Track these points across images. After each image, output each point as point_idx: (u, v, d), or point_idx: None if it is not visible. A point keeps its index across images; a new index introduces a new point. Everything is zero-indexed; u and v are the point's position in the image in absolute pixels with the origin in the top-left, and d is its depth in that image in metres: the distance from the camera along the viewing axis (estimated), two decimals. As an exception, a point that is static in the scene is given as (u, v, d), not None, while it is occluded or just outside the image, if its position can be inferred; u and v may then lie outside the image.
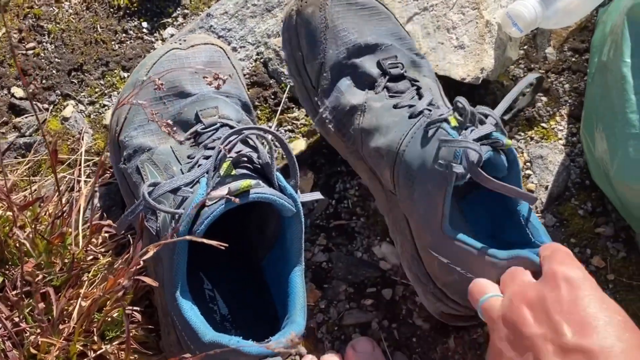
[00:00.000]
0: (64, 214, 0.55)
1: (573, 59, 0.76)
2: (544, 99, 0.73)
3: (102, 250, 0.59)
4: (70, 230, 0.59)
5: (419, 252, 0.55)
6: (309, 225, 0.65)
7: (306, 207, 0.66)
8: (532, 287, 0.45)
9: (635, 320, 0.62)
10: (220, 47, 0.61)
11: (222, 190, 0.47)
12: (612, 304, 0.43)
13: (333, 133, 0.58)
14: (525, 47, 0.76)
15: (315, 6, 0.59)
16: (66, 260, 0.54)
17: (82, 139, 0.65)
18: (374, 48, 0.58)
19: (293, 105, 0.70)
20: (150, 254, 0.45)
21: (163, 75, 0.56)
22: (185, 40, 0.60)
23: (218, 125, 0.56)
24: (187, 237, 0.45)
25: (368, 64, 0.58)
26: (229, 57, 0.61)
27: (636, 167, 0.51)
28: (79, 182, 0.62)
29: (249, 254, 0.59)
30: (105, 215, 0.62)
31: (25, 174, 0.62)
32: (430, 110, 0.53)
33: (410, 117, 0.54)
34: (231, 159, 0.51)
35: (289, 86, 0.70)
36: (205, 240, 0.43)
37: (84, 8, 0.72)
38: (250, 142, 0.53)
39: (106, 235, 0.59)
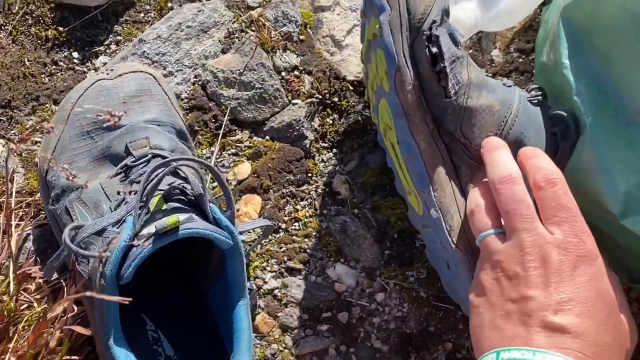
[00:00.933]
0: (-10, 264, 0.52)
1: (520, 60, 0.75)
2: (511, 82, 0.72)
3: (38, 296, 0.56)
4: (1, 278, 0.55)
5: None
6: (260, 252, 0.63)
7: (255, 233, 0.63)
8: (546, 245, 0.43)
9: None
10: (150, 74, 0.58)
11: (149, 229, 0.44)
12: None
13: (428, 77, 0.52)
14: (471, 51, 0.75)
15: None
16: (-4, 312, 0.51)
17: (12, 181, 0.61)
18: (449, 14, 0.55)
19: (235, 128, 0.67)
20: (72, 297, 0.42)
21: (88, 110, 0.53)
22: (112, 70, 0.58)
23: (149, 156, 0.53)
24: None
25: (452, 25, 0.54)
26: (159, 84, 0.59)
27: (579, 167, 0.49)
28: (9, 225, 0.59)
29: (194, 287, 0.56)
30: (39, 259, 0.58)
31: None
32: (510, 86, 0.55)
33: (504, 85, 0.55)
34: (162, 192, 0.49)
35: (229, 108, 0.67)
36: (113, 298, 0.41)
37: (10, 42, 0.69)
38: (181, 173, 0.51)
39: (40, 281, 0.56)
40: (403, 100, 0.52)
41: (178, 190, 0.50)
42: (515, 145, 0.51)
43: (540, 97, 0.54)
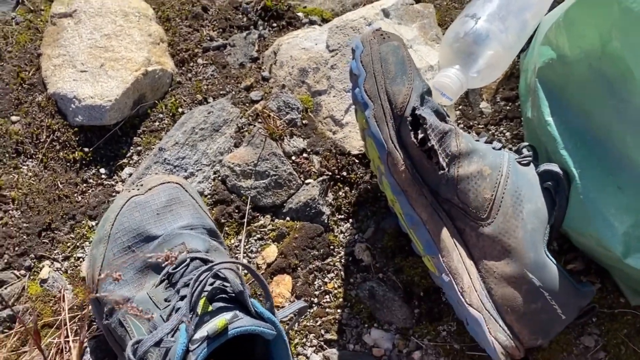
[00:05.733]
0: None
1: (507, 108, 0.80)
2: (500, 144, 0.77)
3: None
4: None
5: (491, 286, 0.57)
6: (298, 329, 0.67)
7: (292, 312, 0.67)
8: None
9: (624, 348, 0.65)
10: (177, 183, 0.64)
11: (201, 333, 0.49)
12: None
13: (417, 156, 0.57)
14: (460, 106, 0.81)
15: (399, 42, 0.61)
16: None
17: (63, 299, 0.66)
18: (431, 93, 0.62)
19: (258, 214, 0.73)
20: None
21: (126, 227, 0.59)
22: (142, 185, 0.63)
23: (187, 261, 0.58)
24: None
25: (435, 102, 0.61)
26: (186, 190, 0.64)
27: (577, 216, 0.54)
28: (67, 342, 0.63)
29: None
30: (98, 369, 0.63)
31: (13, 346, 0.63)
32: (503, 147, 0.60)
33: (494, 148, 0.60)
34: (206, 294, 0.54)
35: (249, 197, 0.73)
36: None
37: (42, 168, 0.75)
38: (220, 273, 0.55)
39: (103, 390, 0.60)
40: (398, 179, 0.57)
41: (219, 290, 0.55)
42: (514, 204, 0.56)
43: (530, 158, 0.59)
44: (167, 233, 0.60)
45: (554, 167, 0.56)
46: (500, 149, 0.60)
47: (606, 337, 0.66)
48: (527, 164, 0.59)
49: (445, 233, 0.58)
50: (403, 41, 0.61)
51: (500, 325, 0.56)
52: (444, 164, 0.57)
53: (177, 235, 0.60)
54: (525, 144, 0.61)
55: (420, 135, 0.56)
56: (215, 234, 0.64)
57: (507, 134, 0.79)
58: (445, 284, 0.58)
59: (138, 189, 0.63)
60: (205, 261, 0.58)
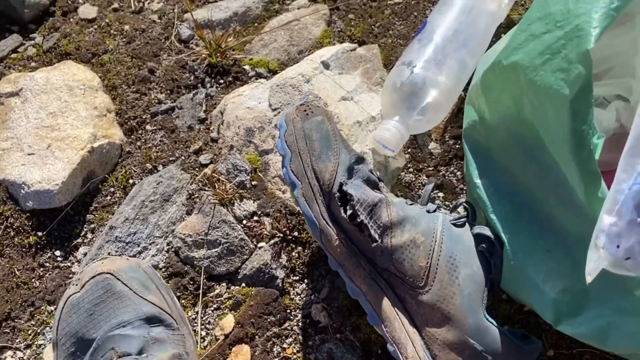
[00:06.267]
0: None
1: (457, 146, 0.80)
2: (441, 194, 0.77)
3: None
4: None
5: (435, 353, 0.57)
6: (259, 398, 0.68)
7: (252, 380, 0.68)
8: None
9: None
10: (108, 272, 0.62)
11: None
12: None
13: (350, 230, 0.58)
14: (409, 149, 0.81)
15: (324, 116, 0.61)
16: None
17: (25, 390, 0.67)
18: (364, 159, 0.62)
19: (213, 283, 0.73)
20: None
21: (67, 333, 0.59)
22: (79, 280, 0.62)
23: None
24: None
25: (367, 170, 0.61)
26: (119, 279, 0.62)
27: (510, 281, 0.54)
28: None
29: None
30: None
31: None
32: (440, 208, 0.59)
33: (428, 212, 0.60)
34: None
35: (203, 268, 0.73)
36: None
37: (-2, 256, 0.76)
38: None
39: None
40: (334, 254, 0.58)
41: None
42: (449, 270, 0.56)
43: (464, 219, 0.59)
44: (99, 337, 0.59)
45: (486, 231, 0.56)
46: (434, 210, 0.60)
47: (566, 379, 0.66)
48: (462, 225, 0.59)
49: (386, 303, 0.58)
50: (328, 113, 0.61)
51: None
52: (376, 236, 0.57)
53: (109, 339, 0.59)
54: (462, 201, 0.61)
55: (349, 211, 0.57)
56: (156, 319, 0.62)
57: (458, 173, 0.78)
58: (391, 353, 0.58)
59: (75, 285, 0.63)
60: None
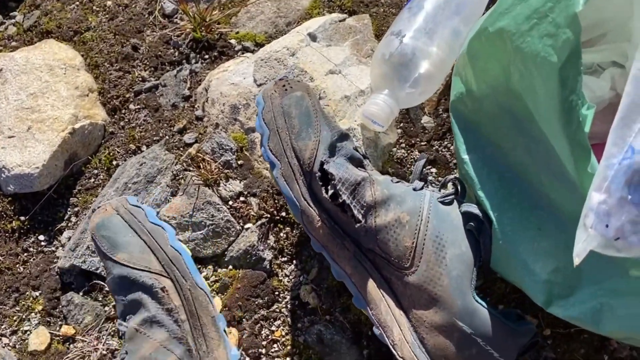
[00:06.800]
0: None
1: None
2: (434, 170, 0.74)
3: None
4: None
5: (423, 336, 0.55)
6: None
7: (240, 364, 0.67)
8: None
9: (582, 371, 0.63)
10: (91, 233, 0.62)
11: None
12: None
13: (333, 210, 0.55)
14: (402, 124, 0.77)
15: (303, 91, 0.58)
16: None
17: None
18: (347, 136, 0.59)
19: (199, 266, 0.71)
20: None
21: None
22: None
23: None
24: None
25: (351, 147, 0.58)
26: (94, 240, 0.62)
27: (499, 261, 0.51)
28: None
29: None
30: None
31: None
32: (428, 185, 0.57)
33: (415, 189, 0.57)
34: None
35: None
36: None
37: (-18, 242, 0.74)
38: None
39: None
40: (317, 236, 0.55)
41: None
42: (436, 250, 0.54)
43: (452, 196, 0.56)
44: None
45: (474, 209, 0.53)
46: (421, 188, 0.57)
47: (563, 359, 0.64)
48: (450, 203, 0.56)
49: (371, 285, 0.56)
50: (309, 89, 0.58)
51: None
52: (360, 216, 0.54)
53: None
54: (451, 177, 0.59)
55: (330, 191, 0.54)
56: (128, 281, 0.59)
57: (452, 147, 0.75)
58: (378, 336, 0.56)
59: None
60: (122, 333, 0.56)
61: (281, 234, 0.72)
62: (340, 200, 0.54)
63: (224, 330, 0.59)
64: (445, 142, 0.76)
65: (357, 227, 0.54)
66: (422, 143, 0.76)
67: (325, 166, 0.54)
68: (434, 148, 0.76)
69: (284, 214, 0.72)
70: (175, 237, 0.62)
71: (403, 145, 0.76)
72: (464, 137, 0.53)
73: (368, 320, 0.66)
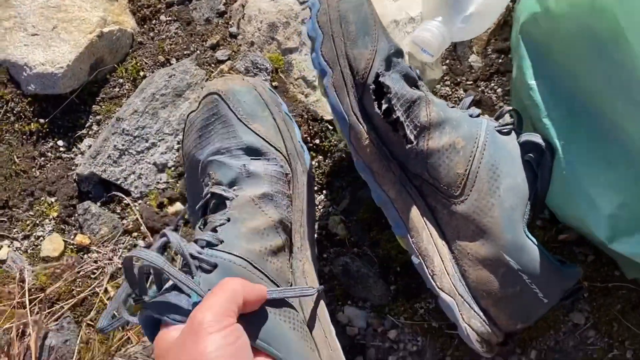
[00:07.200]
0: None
1: (499, 61, 0.73)
2: (478, 111, 0.70)
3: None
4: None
5: (465, 268, 0.52)
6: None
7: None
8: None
9: (617, 325, 0.60)
10: (216, 93, 0.55)
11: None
12: None
13: (383, 128, 0.51)
14: (448, 61, 0.73)
15: None
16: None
17: (23, 280, 0.64)
18: (403, 53, 0.55)
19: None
20: None
21: (185, 152, 0.58)
22: (198, 96, 0.57)
23: (208, 196, 0.53)
24: None
25: (406, 65, 0.54)
26: (225, 101, 0.55)
27: (559, 195, 0.48)
28: (26, 325, 0.61)
29: None
30: (58, 356, 0.61)
31: (-28, 331, 0.61)
32: (477, 116, 0.54)
33: (471, 116, 0.54)
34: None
35: (215, 169, 0.68)
36: None
37: (-3, 142, 0.71)
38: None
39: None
40: (363, 155, 0.52)
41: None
42: (490, 180, 0.50)
43: (511, 126, 0.52)
44: (203, 160, 0.55)
45: (536, 138, 0.50)
46: (478, 115, 0.54)
47: (597, 314, 0.61)
48: (508, 133, 0.53)
49: (414, 212, 0.52)
50: None
51: (474, 311, 0.52)
52: (412, 137, 0.51)
53: (209, 164, 0.54)
54: (508, 108, 0.55)
55: (384, 106, 0.50)
56: (257, 152, 0.54)
57: (499, 90, 0.71)
58: (416, 265, 0.54)
59: (196, 100, 0.57)
60: (223, 199, 0.51)
61: (313, 162, 0.68)
62: (394, 117, 0.50)
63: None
64: (492, 84, 0.72)
65: (408, 149, 0.51)
66: (468, 82, 0.72)
67: (381, 78, 0.50)
68: (479, 89, 0.72)
69: (317, 141, 0.68)
70: (301, 138, 0.58)
71: (448, 82, 0.72)
72: (533, 61, 0.49)
73: (398, 256, 0.64)
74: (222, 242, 0.48)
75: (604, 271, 0.62)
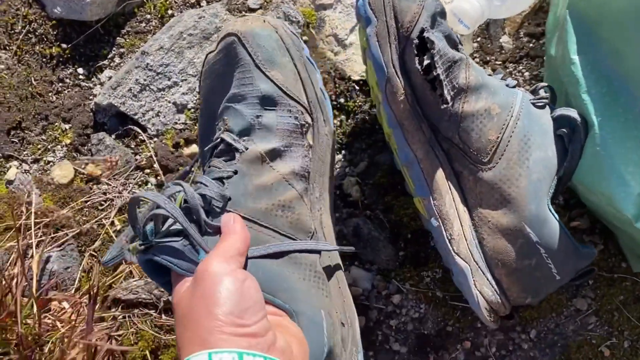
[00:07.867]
0: (11, 290, 0.53)
1: (530, 45, 0.72)
2: (515, 82, 0.70)
3: (67, 315, 0.58)
4: (25, 300, 0.57)
5: (483, 236, 0.52)
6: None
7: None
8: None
9: (618, 315, 0.61)
10: (234, 35, 0.52)
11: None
12: None
13: (420, 86, 0.50)
14: (479, 39, 0.73)
15: None
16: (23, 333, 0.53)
17: (30, 203, 0.63)
18: (446, 15, 0.54)
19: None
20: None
21: (203, 94, 0.55)
22: (218, 36, 0.55)
23: (217, 140, 0.51)
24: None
25: (447, 26, 0.53)
26: (243, 44, 0.53)
27: (589, 171, 0.48)
28: (29, 247, 0.60)
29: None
30: (59, 281, 0.60)
31: (-27, 247, 0.60)
32: (513, 86, 0.54)
33: (507, 85, 0.53)
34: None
35: (236, 116, 0.67)
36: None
37: (16, 62, 0.69)
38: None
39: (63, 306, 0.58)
40: (396, 110, 0.51)
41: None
42: (520, 150, 0.50)
43: (546, 100, 0.52)
44: (218, 104, 0.53)
45: (572, 113, 0.50)
46: (514, 86, 0.54)
47: (600, 302, 0.62)
48: (543, 107, 0.53)
49: (440, 174, 0.52)
50: None
51: (487, 279, 0.52)
52: (449, 98, 0.50)
53: (225, 109, 0.52)
54: (544, 84, 0.55)
55: (425, 62, 0.50)
56: (272, 102, 0.51)
57: (526, 73, 0.71)
58: (433, 229, 0.53)
59: (215, 42, 0.55)
60: (233, 149, 0.50)
61: (335, 121, 0.68)
62: (433, 75, 0.50)
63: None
64: (520, 67, 0.72)
65: (442, 110, 0.51)
66: (497, 62, 0.72)
67: (425, 34, 0.49)
68: (507, 70, 0.71)
69: (342, 100, 0.68)
70: (322, 83, 0.55)
71: (477, 60, 0.72)
72: (578, 36, 0.49)
73: (411, 223, 0.63)
74: (229, 199, 0.47)
75: (611, 261, 0.62)
